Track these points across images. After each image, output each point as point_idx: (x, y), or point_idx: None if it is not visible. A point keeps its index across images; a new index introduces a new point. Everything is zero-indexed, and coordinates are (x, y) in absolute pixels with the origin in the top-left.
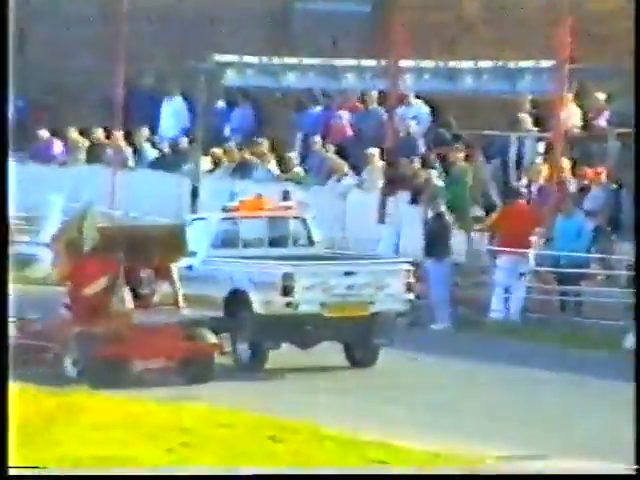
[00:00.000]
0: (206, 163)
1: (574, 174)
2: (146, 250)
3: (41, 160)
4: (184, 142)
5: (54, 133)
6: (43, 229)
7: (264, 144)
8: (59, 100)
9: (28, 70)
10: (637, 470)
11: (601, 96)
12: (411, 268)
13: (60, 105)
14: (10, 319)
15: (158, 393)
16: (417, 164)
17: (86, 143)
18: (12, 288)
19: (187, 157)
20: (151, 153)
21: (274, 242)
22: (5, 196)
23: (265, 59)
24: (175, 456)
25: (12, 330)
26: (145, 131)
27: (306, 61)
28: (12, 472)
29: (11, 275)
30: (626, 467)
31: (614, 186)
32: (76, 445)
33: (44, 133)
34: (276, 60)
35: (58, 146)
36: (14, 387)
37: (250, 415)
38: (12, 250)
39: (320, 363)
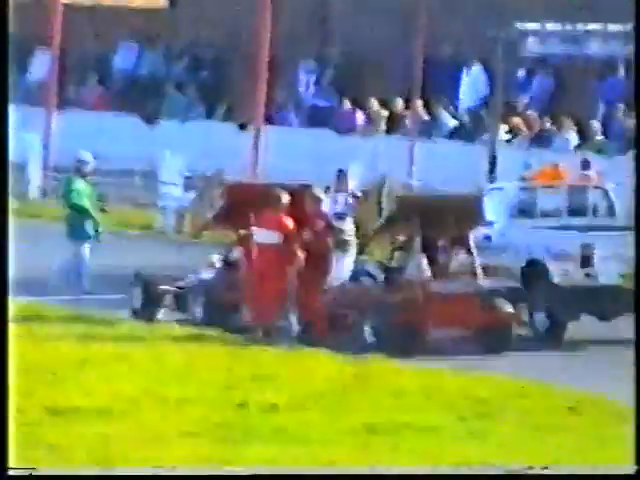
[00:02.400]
0: (504, 132)
1: None
2: (443, 219)
3: (344, 130)
4: (483, 112)
5: (355, 103)
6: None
7: (563, 113)
8: (359, 70)
9: (330, 40)
10: (637, 470)
11: None
12: None
13: (361, 75)
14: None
15: (454, 362)
16: None
17: (386, 113)
18: None
19: (485, 127)
20: (450, 123)
21: (573, 212)
22: (5, 196)
23: (568, 26)
24: (469, 425)
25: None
26: (444, 101)
27: (610, 27)
28: (12, 472)
29: None
30: (626, 467)
31: None
32: (371, 411)
33: (347, 103)
34: (579, 27)
35: (360, 117)
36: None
37: (547, 386)
38: None
39: (620, 335)
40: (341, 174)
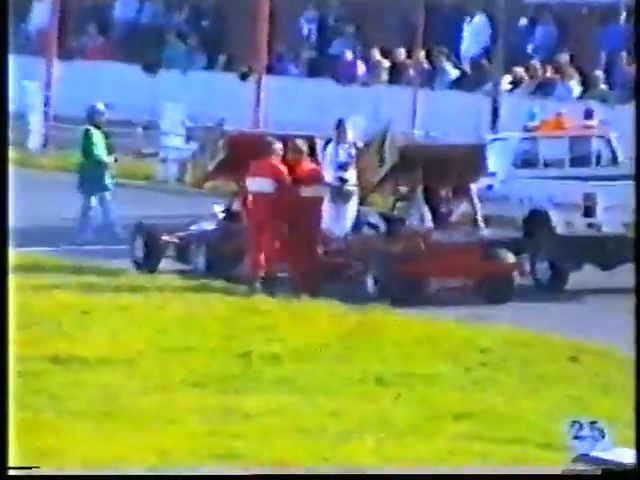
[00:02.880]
0: (507, 82)
1: None
2: (446, 170)
3: (345, 80)
4: (485, 61)
5: (356, 53)
6: None
7: (566, 61)
8: (361, 21)
9: None
10: (637, 469)
11: None
12: None
13: (362, 26)
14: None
15: (456, 312)
16: None
17: (387, 64)
18: None
19: (488, 76)
20: (452, 72)
21: (576, 162)
22: (5, 196)
23: None
24: (474, 375)
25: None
26: (446, 50)
27: None
28: (12, 472)
29: None
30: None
31: None
32: (374, 361)
33: (348, 54)
34: None
35: (361, 67)
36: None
37: (549, 336)
38: None
39: (622, 284)
40: (341, 124)
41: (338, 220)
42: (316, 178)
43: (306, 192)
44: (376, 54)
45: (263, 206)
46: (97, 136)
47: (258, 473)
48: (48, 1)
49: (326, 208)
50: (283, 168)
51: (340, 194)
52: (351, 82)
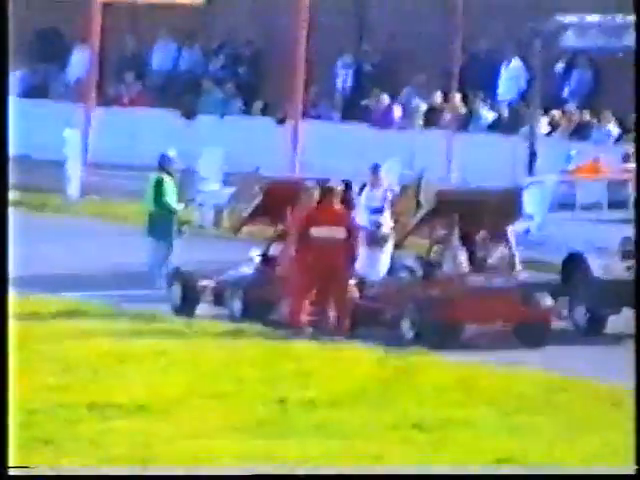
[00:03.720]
0: (544, 126)
1: None
2: (482, 213)
3: (381, 124)
4: (521, 105)
5: (393, 97)
6: None
7: (602, 105)
8: (398, 64)
9: (370, 35)
10: (637, 470)
11: None
12: None
13: (399, 69)
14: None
15: (494, 356)
16: None
17: (424, 107)
18: None
19: (524, 120)
20: (488, 116)
21: (613, 205)
22: (5, 197)
23: (607, 18)
24: (512, 420)
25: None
26: (482, 94)
27: None
28: (12, 472)
29: None
30: (626, 467)
31: None
32: (413, 405)
33: (385, 98)
34: (618, 19)
35: (398, 111)
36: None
37: (588, 381)
38: None
39: None
40: (375, 169)
41: (373, 265)
42: (339, 220)
43: (322, 232)
44: (413, 98)
45: (331, 252)
46: (168, 184)
47: (263, 473)
48: (87, 50)
49: (362, 252)
50: (350, 215)
51: (375, 238)
52: (387, 126)
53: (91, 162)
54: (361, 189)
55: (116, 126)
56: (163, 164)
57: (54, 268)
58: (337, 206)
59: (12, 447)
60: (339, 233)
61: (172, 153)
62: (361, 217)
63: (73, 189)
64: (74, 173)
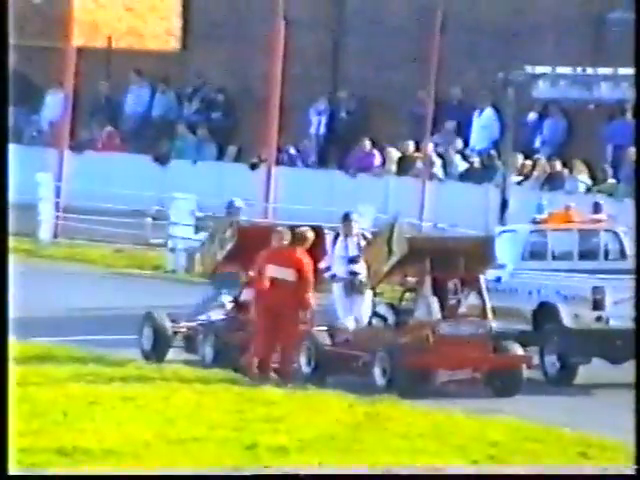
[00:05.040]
0: (515, 175)
1: None
2: (454, 261)
3: (359, 169)
4: (494, 154)
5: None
6: None
7: (574, 155)
8: (371, 112)
9: (344, 82)
10: (637, 470)
11: None
12: None
13: (372, 118)
14: (322, 327)
15: (465, 405)
16: None
17: (397, 155)
18: None
19: (496, 169)
20: (461, 165)
21: (584, 255)
22: (5, 198)
23: (578, 70)
24: (480, 468)
25: (325, 338)
26: (456, 143)
27: (621, 71)
28: (12, 472)
29: None
30: (626, 467)
31: None
32: (384, 453)
33: (366, 145)
34: (589, 71)
35: (378, 157)
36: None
37: (559, 430)
38: None
39: (631, 379)
40: (347, 217)
41: (352, 313)
42: (290, 262)
43: (273, 272)
44: (386, 146)
45: (279, 294)
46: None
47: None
48: (60, 94)
49: (338, 301)
50: (308, 260)
51: (354, 287)
52: (365, 172)
53: (64, 206)
54: (335, 238)
55: (89, 170)
56: (230, 211)
57: (24, 312)
58: (297, 249)
59: None
60: (288, 275)
61: (239, 202)
62: (337, 268)
63: (44, 232)
64: (46, 216)
